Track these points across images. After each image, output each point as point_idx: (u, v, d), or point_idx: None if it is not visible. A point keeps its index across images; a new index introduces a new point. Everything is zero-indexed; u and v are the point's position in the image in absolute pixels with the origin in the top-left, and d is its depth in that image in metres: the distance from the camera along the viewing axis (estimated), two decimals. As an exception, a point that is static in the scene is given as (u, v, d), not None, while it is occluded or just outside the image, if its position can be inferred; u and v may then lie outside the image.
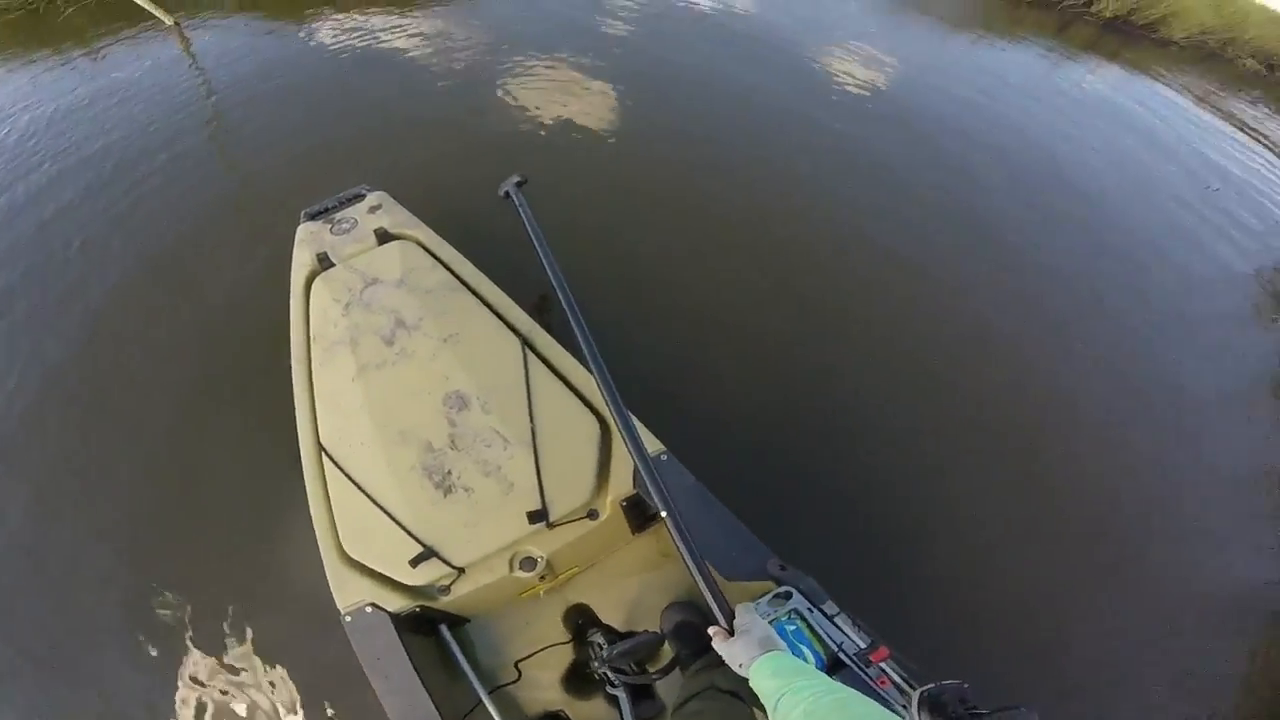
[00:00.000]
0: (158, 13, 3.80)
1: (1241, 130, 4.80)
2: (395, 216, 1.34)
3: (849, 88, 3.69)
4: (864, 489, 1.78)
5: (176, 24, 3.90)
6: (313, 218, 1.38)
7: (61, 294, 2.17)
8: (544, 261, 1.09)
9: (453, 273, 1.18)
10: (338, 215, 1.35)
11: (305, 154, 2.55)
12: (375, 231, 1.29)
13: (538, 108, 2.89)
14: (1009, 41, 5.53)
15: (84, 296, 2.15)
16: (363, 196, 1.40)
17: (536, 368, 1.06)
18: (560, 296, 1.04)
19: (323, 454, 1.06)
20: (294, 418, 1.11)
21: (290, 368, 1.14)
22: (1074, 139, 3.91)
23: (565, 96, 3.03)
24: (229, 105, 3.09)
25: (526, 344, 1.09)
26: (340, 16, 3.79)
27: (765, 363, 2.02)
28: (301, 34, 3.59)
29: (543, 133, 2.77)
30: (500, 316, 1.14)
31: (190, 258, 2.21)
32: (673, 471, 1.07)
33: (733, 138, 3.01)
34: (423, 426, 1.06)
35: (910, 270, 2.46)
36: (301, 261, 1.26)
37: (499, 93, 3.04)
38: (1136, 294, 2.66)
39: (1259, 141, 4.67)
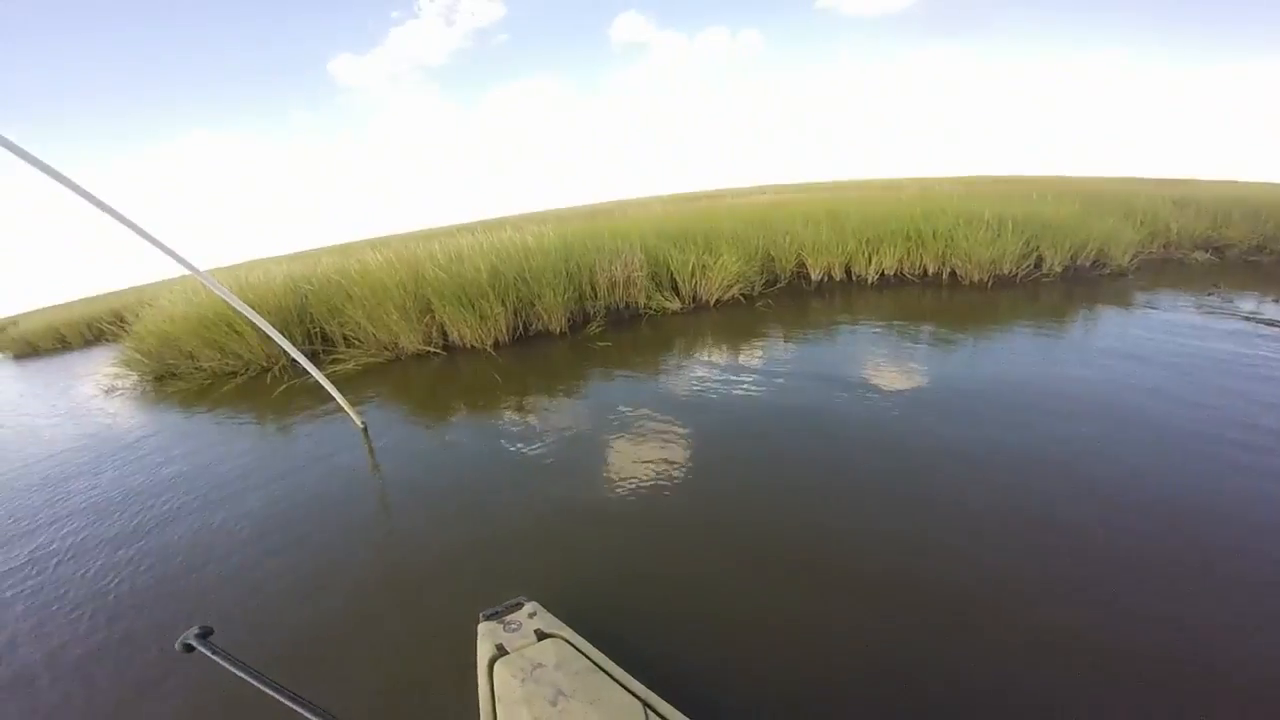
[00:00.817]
0: (353, 414, 4.47)
1: None
2: (547, 620, 1.83)
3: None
4: None
5: (364, 428, 4.53)
6: (488, 618, 1.86)
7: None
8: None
9: (591, 661, 1.64)
10: (507, 618, 1.84)
11: (462, 557, 2.87)
12: (535, 631, 1.77)
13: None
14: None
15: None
16: (522, 605, 1.90)
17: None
18: None
19: None
20: None
21: None
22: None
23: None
24: (398, 503, 3.56)
25: (647, 706, 1.48)
26: (516, 423, 4.44)
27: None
28: (473, 446, 4.14)
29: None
30: (625, 687, 1.56)
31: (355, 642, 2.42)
32: None
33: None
34: None
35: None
36: (485, 650, 1.71)
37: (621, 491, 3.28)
38: None
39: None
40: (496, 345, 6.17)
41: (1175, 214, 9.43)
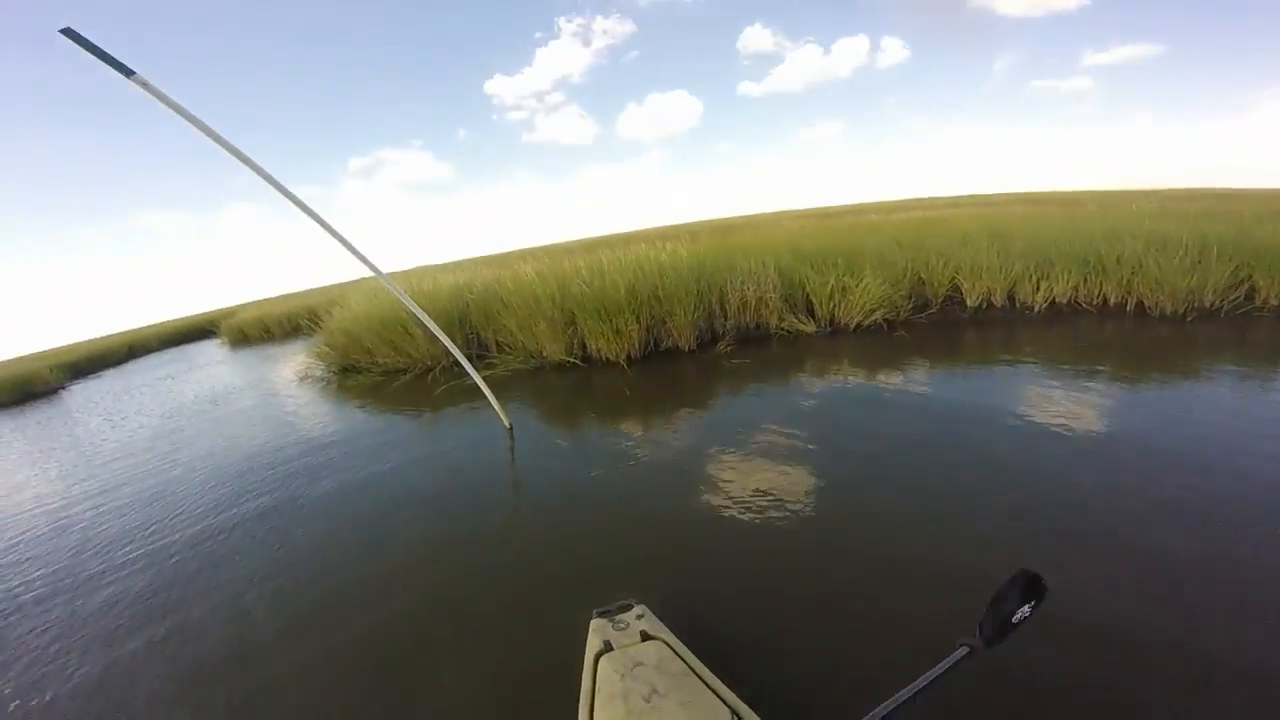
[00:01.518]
0: (501, 415, 4.98)
1: None
2: (652, 623, 1.94)
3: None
4: None
5: (510, 428, 5.01)
6: (600, 615, 2.00)
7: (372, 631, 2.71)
8: None
9: (688, 665, 1.70)
10: (616, 617, 1.97)
11: (583, 553, 3.06)
12: (640, 632, 1.87)
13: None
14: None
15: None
16: (631, 606, 2.03)
17: None
18: None
19: None
20: None
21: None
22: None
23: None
24: (534, 498, 3.93)
25: (735, 714, 1.51)
26: (644, 432, 4.66)
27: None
28: (608, 452, 4.38)
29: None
30: (716, 694, 1.60)
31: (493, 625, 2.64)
32: None
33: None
34: None
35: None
36: (593, 644, 1.84)
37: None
38: None
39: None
40: (629, 359, 6.41)
41: None
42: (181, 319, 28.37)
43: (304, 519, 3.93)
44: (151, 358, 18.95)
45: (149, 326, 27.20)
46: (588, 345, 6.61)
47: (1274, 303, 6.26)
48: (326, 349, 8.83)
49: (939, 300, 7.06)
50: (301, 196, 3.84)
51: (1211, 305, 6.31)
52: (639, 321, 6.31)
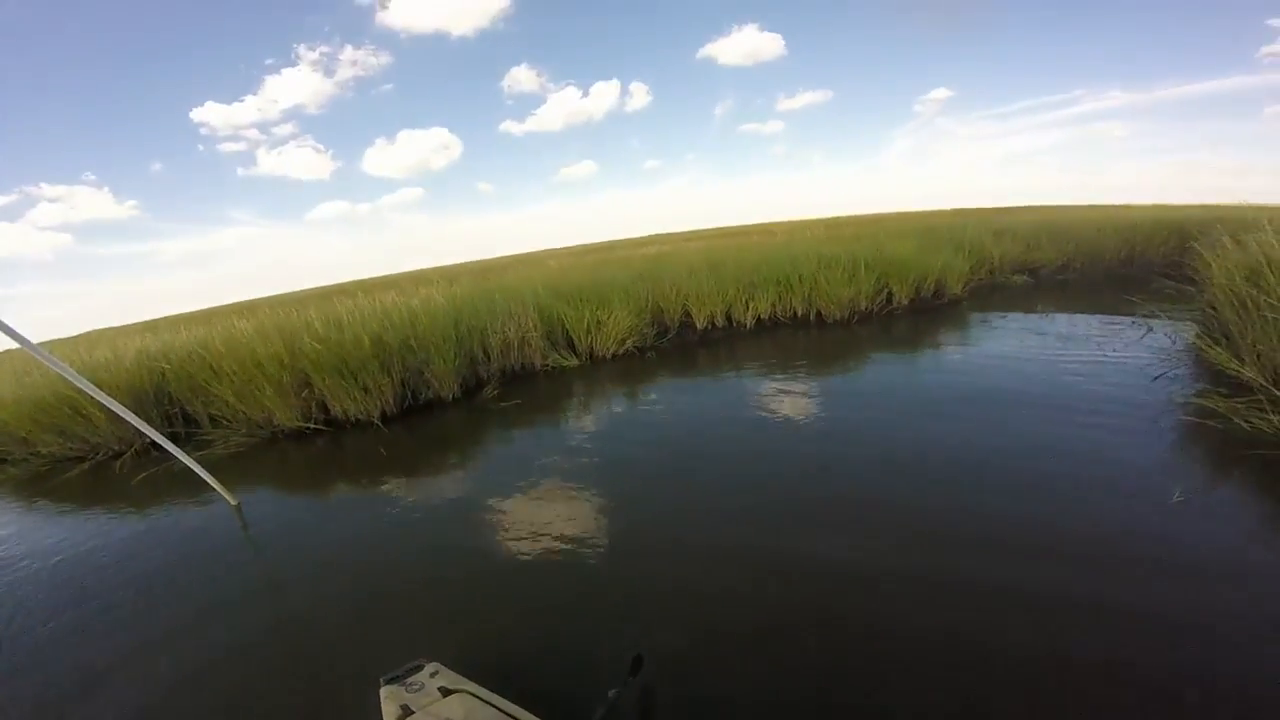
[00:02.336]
0: (223, 493, 4.13)
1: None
2: (450, 677, 1.84)
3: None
4: None
5: (238, 506, 4.18)
6: (389, 682, 1.85)
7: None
8: None
9: (499, 710, 1.65)
10: (408, 680, 1.83)
11: (357, 625, 2.83)
12: (439, 689, 1.77)
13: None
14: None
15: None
16: (422, 666, 1.91)
17: None
18: None
19: None
20: None
21: None
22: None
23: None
24: (281, 582, 3.43)
25: None
26: (406, 495, 4.30)
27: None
28: (366, 516, 4.05)
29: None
30: None
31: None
32: None
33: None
34: None
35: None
36: (389, 712, 1.69)
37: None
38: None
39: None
40: (384, 417, 5.94)
41: (995, 243, 11.15)
42: None
43: None
44: None
45: None
46: (330, 407, 5.92)
47: (904, 303, 8.69)
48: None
49: (676, 325, 8.11)
50: None
51: (865, 309, 8.46)
52: (390, 375, 5.90)
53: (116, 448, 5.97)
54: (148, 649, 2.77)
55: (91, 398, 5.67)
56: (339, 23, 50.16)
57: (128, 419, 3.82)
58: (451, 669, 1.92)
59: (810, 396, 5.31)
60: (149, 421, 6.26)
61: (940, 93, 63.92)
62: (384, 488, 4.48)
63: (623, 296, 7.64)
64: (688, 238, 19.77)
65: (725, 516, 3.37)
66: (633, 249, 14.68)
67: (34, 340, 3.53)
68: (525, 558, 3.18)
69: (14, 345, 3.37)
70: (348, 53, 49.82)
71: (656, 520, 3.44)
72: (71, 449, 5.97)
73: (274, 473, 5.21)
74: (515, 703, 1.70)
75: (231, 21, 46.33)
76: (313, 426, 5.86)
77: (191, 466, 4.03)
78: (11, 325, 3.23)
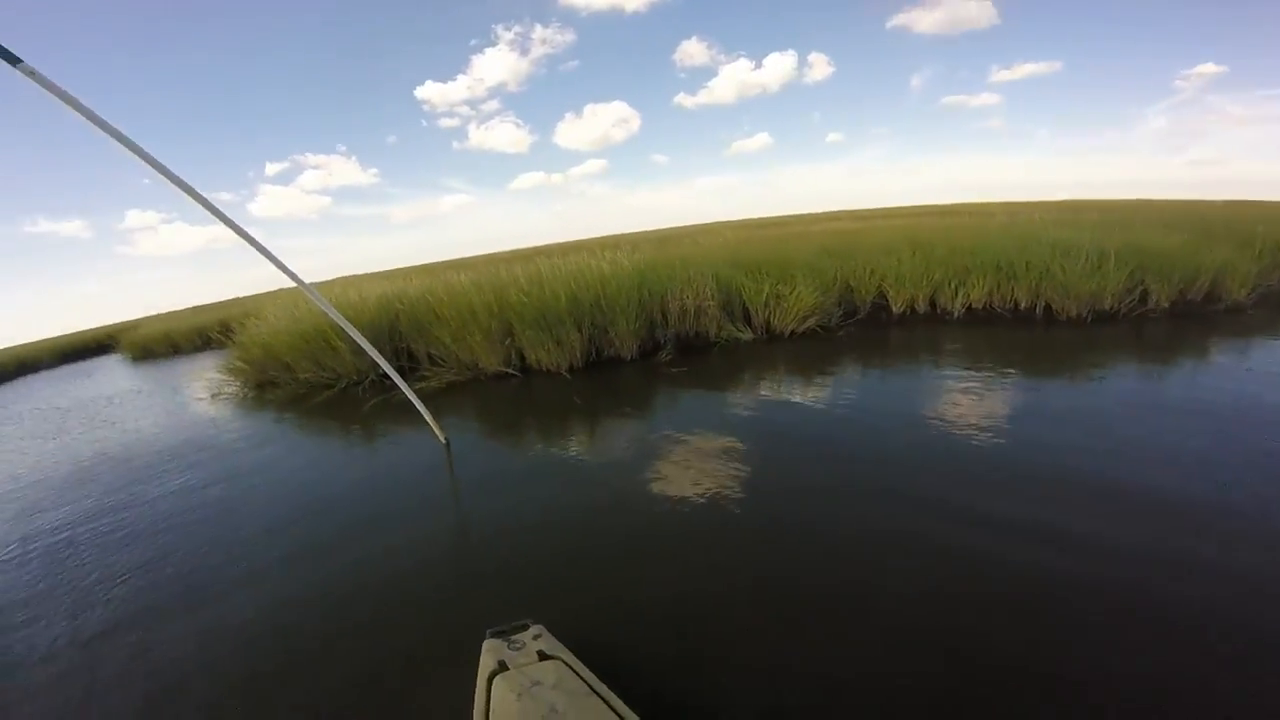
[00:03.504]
0: (436, 430, 4.71)
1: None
2: (550, 643, 1.90)
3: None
4: None
5: (447, 442, 4.74)
6: (494, 635, 1.95)
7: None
8: None
9: (587, 685, 1.69)
10: (512, 637, 1.92)
11: (499, 577, 2.94)
12: (537, 652, 1.83)
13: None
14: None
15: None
16: (528, 626, 1.99)
17: None
18: None
19: None
20: None
21: None
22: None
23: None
24: (471, 516, 3.78)
25: None
26: (586, 443, 4.54)
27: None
28: (552, 464, 4.26)
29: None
30: (616, 713, 1.59)
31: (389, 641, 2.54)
32: None
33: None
34: None
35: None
36: (486, 664, 1.79)
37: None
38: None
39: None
40: (571, 369, 6.29)
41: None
42: (76, 333, 25.60)
43: (238, 521, 3.61)
44: (41, 376, 16.93)
45: (40, 341, 24.35)
46: (526, 356, 6.44)
47: (1164, 305, 6.95)
48: (241, 364, 8.17)
49: (866, 307, 7.39)
50: (213, 201, 3.52)
51: (1111, 308, 6.92)
52: (580, 331, 6.22)
53: (355, 378, 7.16)
54: (362, 564, 3.17)
55: (340, 333, 6.85)
56: (528, 2, 54.17)
57: (369, 352, 4.46)
58: (555, 634, 1.95)
59: (1030, 415, 4.24)
60: (384, 356, 7.48)
61: (1208, 67, 50.04)
62: (568, 434, 4.79)
63: (806, 271, 7.15)
64: (882, 214, 18.09)
65: (841, 529, 2.93)
66: (812, 224, 13.82)
67: (286, 286, 4.36)
68: (666, 524, 3.15)
69: (289, 285, 4.09)
70: (538, 31, 53.63)
71: (798, 515, 3.12)
72: (323, 376, 7.29)
73: (476, 409, 5.82)
74: (612, 684, 1.69)
75: (444, 3, 52.45)
76: (509, 371, 6.43)
77: (415, 403, 4.61)
78: (290, 268, 3.95)
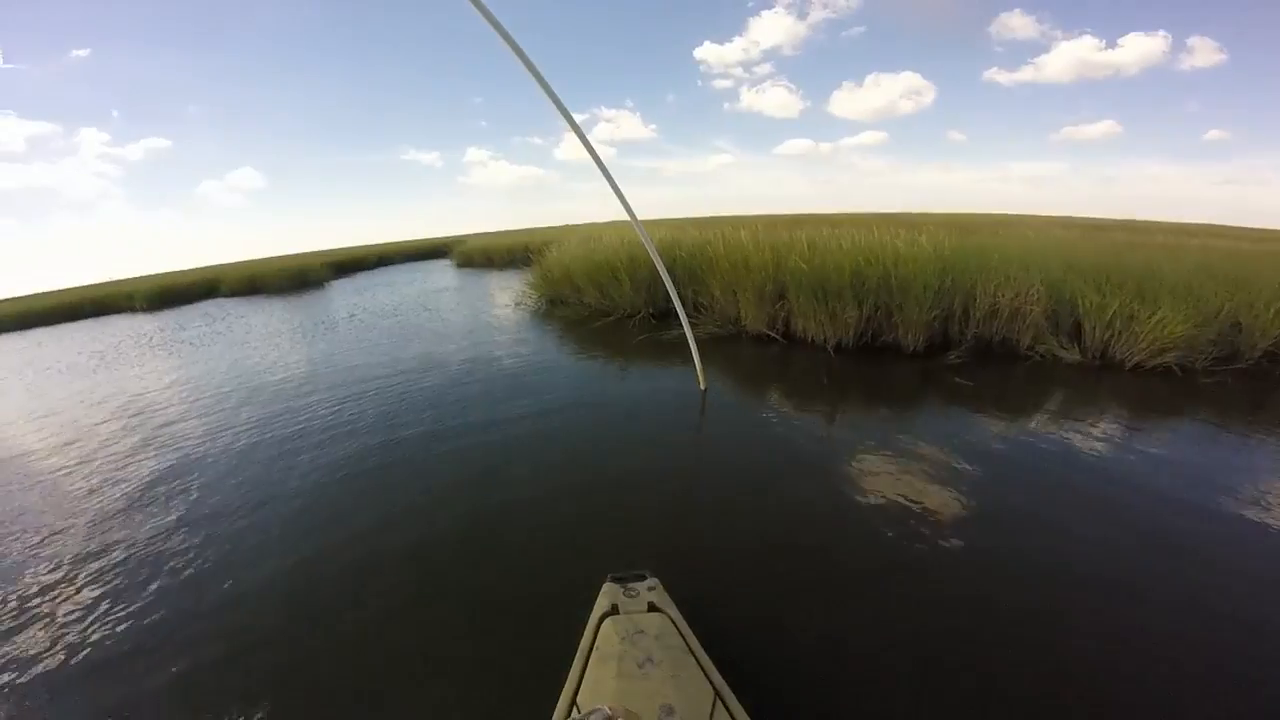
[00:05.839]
0: (700, 375, 4.95)
1: None
2: (661, 597, 1.96)
3: None
4: None
5: (705, 389, 4.94)
6: (613, 580, 2.05)
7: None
8: None
9: (685, 642, 1.75)
10: (629, 585, 2.01)
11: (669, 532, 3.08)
12: (648, 602, 1.92)
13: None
14: None
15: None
16: (644, 577, 2.06)
17: (720, 712, 1.50)
18: None
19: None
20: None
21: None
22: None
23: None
24: (717, 467, 3.83)
25: (718, 696, 1.55)
26: (844, 439, 4.14)
27: None
28: (802, 437, 4.12)
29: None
30: (705, 673, 1.63)
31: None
32: None
33: None
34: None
35: None
36: (601, 605, 1.91)
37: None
38: None
39: None
40: (839, 347, 5.94)
41: None
42: (421, 240, 33.91)
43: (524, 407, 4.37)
44: (394, 269, 22.87)
45: (393, 243, 33.07)
46: (792, 322, 6.27)
47: None
48: (541, 282, 9.73)
49: (1256, 349, 5.36)
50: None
51: None
52: (859, 308, 5.79)
53: (629, 310, 7.89)
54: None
55: (626, 266, 7.54)
56: (811, -38, 50.55)
57: (672, 296, 4.78)
58: (670, 591, 2.00)
59: None
60: (652, 297, 8.14)
61: None
62: (808, 407, 4.62)
63: (1178, 292, 5.45)
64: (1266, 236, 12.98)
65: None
66: (1188, 237, 10.52)
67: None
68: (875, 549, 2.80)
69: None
70: (818, -7, 50.10)
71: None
72: (604, 304, 8.20)
73: (735, 364, 5.91)
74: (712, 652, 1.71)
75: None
76: (771, 334, 6.37)
77: (691, 346, 4.82)
78: (633, 206, 4.40)
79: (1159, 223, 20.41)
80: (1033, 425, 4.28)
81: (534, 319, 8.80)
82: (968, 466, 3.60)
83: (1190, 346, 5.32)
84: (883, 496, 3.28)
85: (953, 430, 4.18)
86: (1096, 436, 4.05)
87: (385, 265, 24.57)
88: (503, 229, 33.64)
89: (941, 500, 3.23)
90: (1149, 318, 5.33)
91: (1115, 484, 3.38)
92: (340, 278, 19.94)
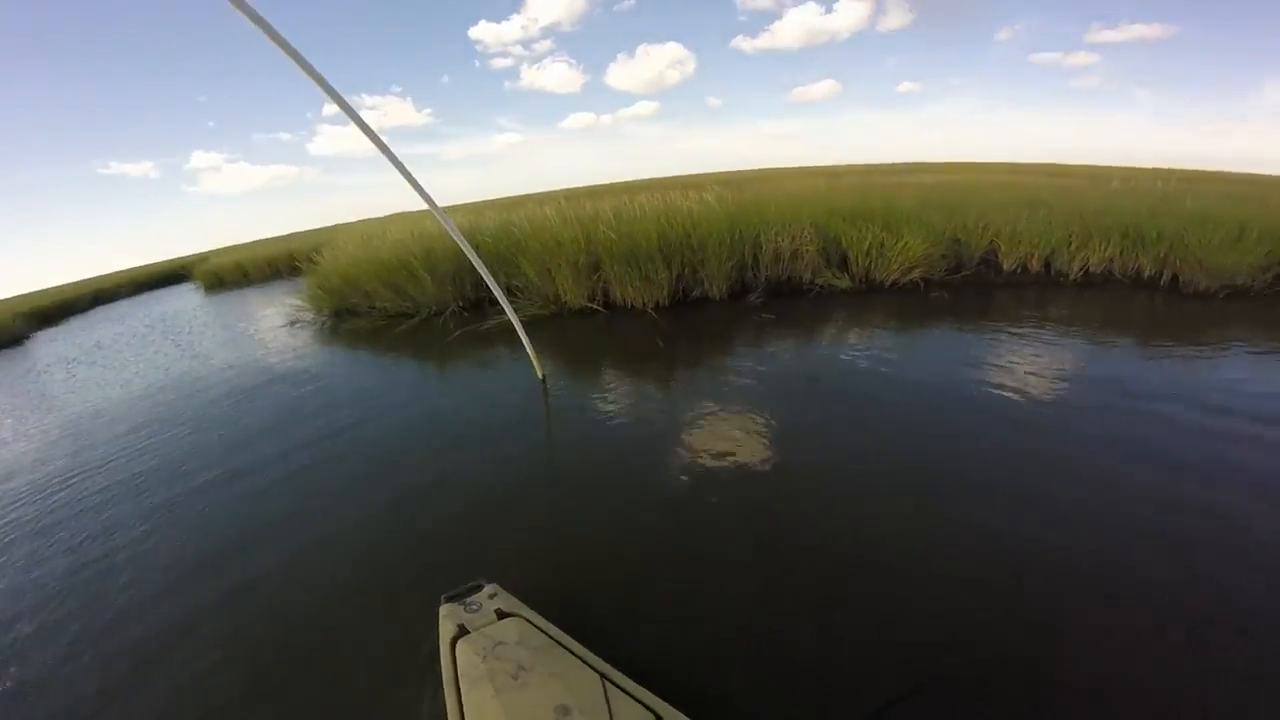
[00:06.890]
0: (536, 364, 4.41)
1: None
2: (507, 601, 1.87)
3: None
4: None
5: (544, 379, 4.47)
6: (449, 600, 1.90)
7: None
8: None
9: (550, 638, 1.69)
10: (467, 599, 1.87)
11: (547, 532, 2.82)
12: (495, 611, 1.81)
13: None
14: None
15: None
16: (482, 587, 1.94)
17: (615, 693, 1.48)
18: None
19: None
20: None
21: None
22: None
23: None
24: (565, 459, 3.60)
25: (605, 678, 1.52)
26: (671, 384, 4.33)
27: None
28: (647, 421, 3.89)
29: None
30: (584, 661, 1.60)
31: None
32: None
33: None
34: None
35: None
36: (446, 629, 1.76)
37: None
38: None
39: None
40: (658, 307, 6.07)
41: None
42: (150, 264, 26.80)
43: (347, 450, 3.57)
44: (121, 304, 17.79)
45: (110, 274, 25.60)
46: (611, 292, 6.24)
47: None
48: (320, 292, 8.24)
49: (974, 263, 6.87)
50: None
51: (1243, 285, 6.25)
52: (669, 269, 5.97)
53: (435, 308, 7.12)
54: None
55: (424, 262, 6.76)
56: (587, -62, 52.18)
57: (489, 283, 4.24)
58: (512, 592, 1.93)
59: (1148, 381, 3.91)
60: (460, 288, 7.44)
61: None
62: (651, 373, 4.66)
63: (913, 223, 6.67)
64: (981, 169, 16.87)
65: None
66: (905, 175, 13.02)
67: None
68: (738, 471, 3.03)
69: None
70: (592, -32, 51.68)
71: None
72: (403, 306, 7.27)
73: (565, 344, 5.68)
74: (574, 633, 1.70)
75: (498, -62, 50.77)
76: (593, 307, 6.26)
77: (521, 336, 4.42)
78: (429, 193, 3.84)
79: (876, 165, 25.16)
80: (825, 341, 5.11)
81: (319, 336, 7.44)
82: (781, 386, 4.12)
83: (929, 263, 6.56)
84: (722, 448, 3.38)
85: (766, 355, 4.80)
86: (866, 345, 4.92)
87: (106, 302, 18.91)
88: (258, 239, 28.11)
89: (764, 428, 3.53)
90: (896, 244, 6.42)
91: (880, 378, 4.23)
92: (45, 328, 14.77)
